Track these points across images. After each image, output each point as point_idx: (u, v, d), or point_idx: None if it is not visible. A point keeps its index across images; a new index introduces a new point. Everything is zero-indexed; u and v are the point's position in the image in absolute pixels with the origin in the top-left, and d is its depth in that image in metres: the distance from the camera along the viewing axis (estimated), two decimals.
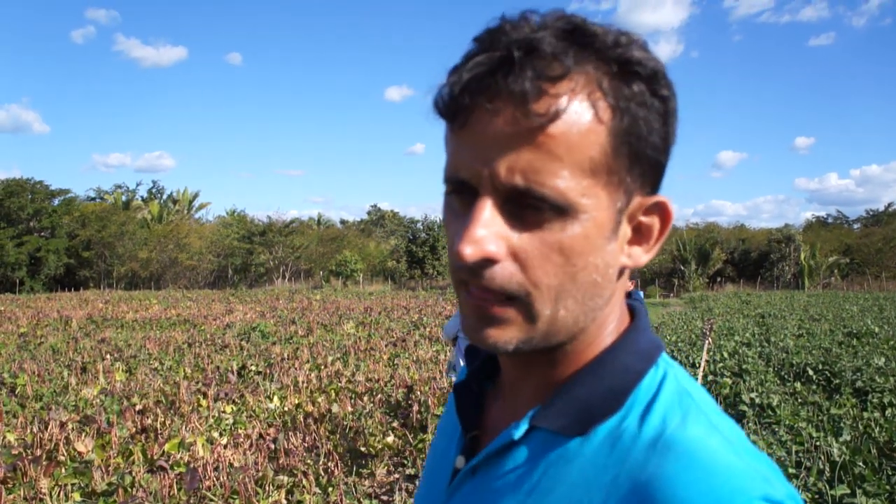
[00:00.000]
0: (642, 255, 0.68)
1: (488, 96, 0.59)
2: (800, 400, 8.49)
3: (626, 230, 0.66)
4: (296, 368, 10.31)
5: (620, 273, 0.67)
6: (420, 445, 6.37)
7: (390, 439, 6.57)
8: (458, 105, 0.61)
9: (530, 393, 0.71)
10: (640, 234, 0.67)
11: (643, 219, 0.66)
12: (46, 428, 6.35)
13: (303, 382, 9.08)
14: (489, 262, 0.61)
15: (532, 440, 0.67)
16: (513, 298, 0.62)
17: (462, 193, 0.64)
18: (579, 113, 0.59)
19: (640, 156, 0.62)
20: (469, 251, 0.60)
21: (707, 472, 0.57)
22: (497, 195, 0.61)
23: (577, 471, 0.63)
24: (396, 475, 5.92)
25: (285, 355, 11.77)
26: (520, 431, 0.67)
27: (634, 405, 0.65)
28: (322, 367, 10.54)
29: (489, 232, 0.60)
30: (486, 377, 0.82)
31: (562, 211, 0.60)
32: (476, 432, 0.77)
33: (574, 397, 0.66)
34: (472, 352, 0.84)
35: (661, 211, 0.67)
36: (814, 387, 9.45)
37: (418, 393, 8.01)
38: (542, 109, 0.58)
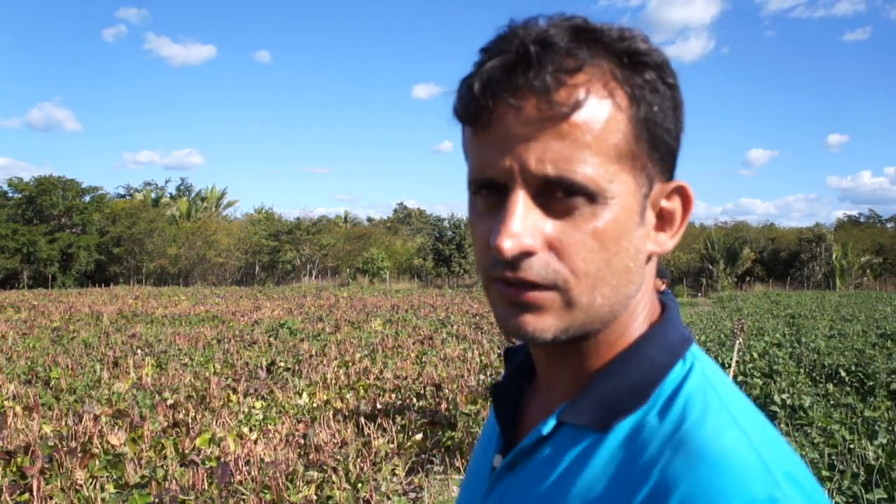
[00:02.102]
0: (668, 241, 0.69)
1: (510, 93, 0.61)
2: (832, 402, 8.37)
3: (650, 217, 0.67)
4: (324, 365, 10.37)
5: (648, 260, 0.69)
6: (448, 443, 6.38)
7: (419, 437, 6.59)
8: (480, 106, 0.63)
9: (562, 388, 0.72)
10: (663, 220, 0.69)
11: (665, 204, 0.68)
12: (81, 421, 6.45)
13: (331, 379, 9.13)
14: (527, 254, 0.62)
15: (559, 435, 0.69)
16: (550, 287, 0.63)
17: (489, 192, 0.65)
18: (599, 102, 0.61)
19: (657, 141, 0.65)
20: (508, 245, 0.61)
21: (714, 468, 0.57)
22: (528, 188, 0.62)
23: (599, 464, 0.64)
24: (425, 472, 5.93)
25: (313, 352, 11.84)
26: (548, 427, 0.69)
27: (658, 399, 0.65)
28: (350, 364, 10.59)
29: (525, 225, 0.62)
30: (524, 377, 0.83)
31: (593, 197, 0.62)
32: (515, 432, 0.78)
33: (600, 392, 0.67)
34: (510, 353, 0.86)
35: (682, 195, 0.69)
36: (847, 388, 9.30)
37: (446, 391, 8.02)
38: (565, 99, 0.60)
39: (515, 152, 0.61)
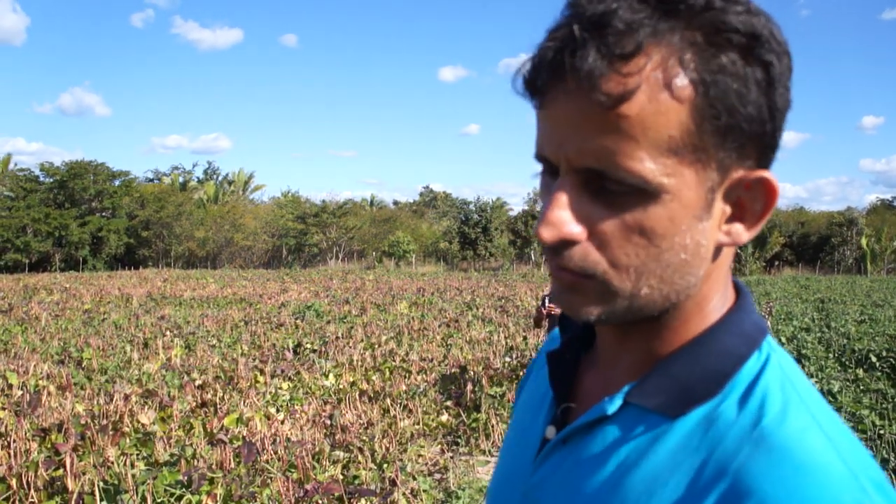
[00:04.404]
0: (743, 233, 0.64)
1: (558, 76, 0.58)
2: (862, 387, 8.27)
3: (722, 207, 0.62)
4: (350, 347, 10.44)
5: (719, 251, 0.64)
6: (474, 425, 6.40)
7: (444, 418, 6.62)
8: (533, 84, 0.60)
9: (627, 366, 0.69)
10: (741, 211, 0.63)
11: (744, 195, 0.62)
12: (112, 400, 6.56)
13: (357, 361, 9.18)
14: (567, 242, 0.61)
15: (625, 416, 0.66)
16: (588, 276, 0.62)
17: (549, 169, 0.63)
18: (655, 91, 0.56)
19: (732, 130, 0.58)
20: (546, 233, 0.60)
21: (799, 471, 0.54)
22: (576, 175, 0.60)
23: (667, 451, 0.62)
24: (450, 453, 5.96)
25: (340, 334, 11.91)
26: (613, 406, 0.66)
27: (733, 390, 0.63)
28: (376, 346, 10.64)
29: (567, 213, 0.60)
30: (581, 346, 0.80)
31: (643, 192, 0.58)
32: (568, 403, 0.76)
33: (672, 376, 0.65)
34: (567, 319, 0.82)
35: (764, 188, 0.62)
36: (877, 374, 9.18)
37: (471, 373, 8.03)
38: (612, 90, 0.55)
39: (561, 139, 0.59)
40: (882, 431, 5.96)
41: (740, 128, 0.58)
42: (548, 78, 0.59)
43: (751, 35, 0.57)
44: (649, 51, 0.55)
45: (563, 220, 0.60)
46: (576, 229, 0.60)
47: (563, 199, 0.60)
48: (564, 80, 0.57)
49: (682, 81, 0.56)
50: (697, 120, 0.57)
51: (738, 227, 0.64)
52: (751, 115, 0.58)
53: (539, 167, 0.66)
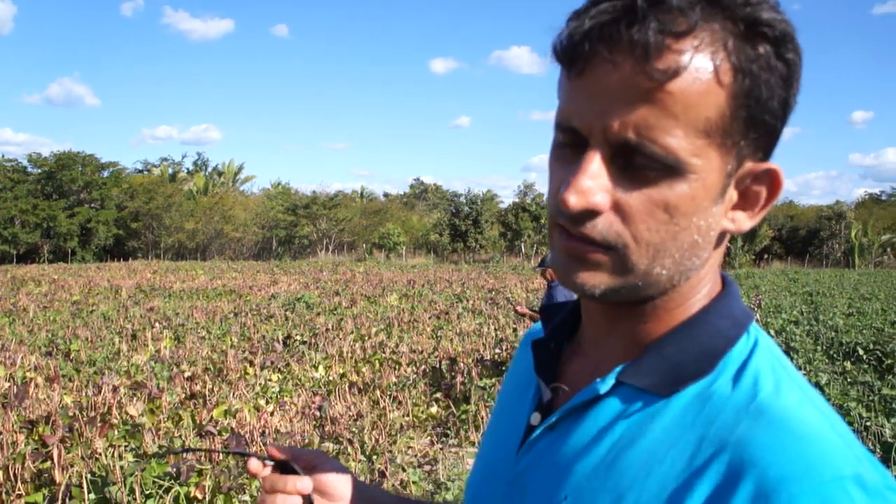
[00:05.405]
0: (746, 221, 0.66)
1: (608, 46, 0.58)
2: (849, 380, 8.32)
3: (732, 194, 0.64)
4: (340, 339, 10.42)
5: (721, 237, 0.66)
6: (463, 416, 6.41)
7: (434, 410, 6.63)
8: (577, 52, 0.60)
9: (616, 349, 0.70)
10: (746, 200, 0.66)
11: (752, 184, 0.65)
12: (100, 392, 6.52)
13: (347, 352, 9.18)
14: (592, 212, 0.61)
15: (617, 396, 0.67)
16: (610, 248, 0.62)
17: (571, 140, 0.63)
18: (700, 72, 0.57)
19: (756, 121, 0.61)
20: (573, 200, 0.60)
21: (799, 440, 0.56)
22: (607, 148, 0.60)
23: (663, 428, 0.63)
24: (440, 445, 5.96)
25: (329, 326, 11.90)
26: (606, 386, 0.67)
27: (726, 369, 0.64)
28: (366, 337, 10.64)
29: (595, 183, 0.60)
30: (563, 337, 0.80)
31: (671, 169, 0.59)
32: (558, 384, 0.76)
33: (665, 356, 0.66)
34: (550, 310, 0.83)
35: (771, 179, 0.65)
36: (864, 367, 9.25)
37: (461, 364, 8.04)
38: (663, 65, 0.57)
39: (600, 109, 0.59)
40: (868, 424, 6.00)
41: (763, 120, 0.61)
42: (595, 46, 0.59)
43: (781, 32, 0.60)
44: (699, 32, 0.57)
45: (592, 189, 0.60)
46: (602, 199, 0.61)
47: (593, 168, 0.60)
48: (614, 50, 0.58)
49: (725, 66, 0.58)
50: (732, 106, 0.59)
51: (741, 215, 0.66)
52: (774, 108, 0.61)
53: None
